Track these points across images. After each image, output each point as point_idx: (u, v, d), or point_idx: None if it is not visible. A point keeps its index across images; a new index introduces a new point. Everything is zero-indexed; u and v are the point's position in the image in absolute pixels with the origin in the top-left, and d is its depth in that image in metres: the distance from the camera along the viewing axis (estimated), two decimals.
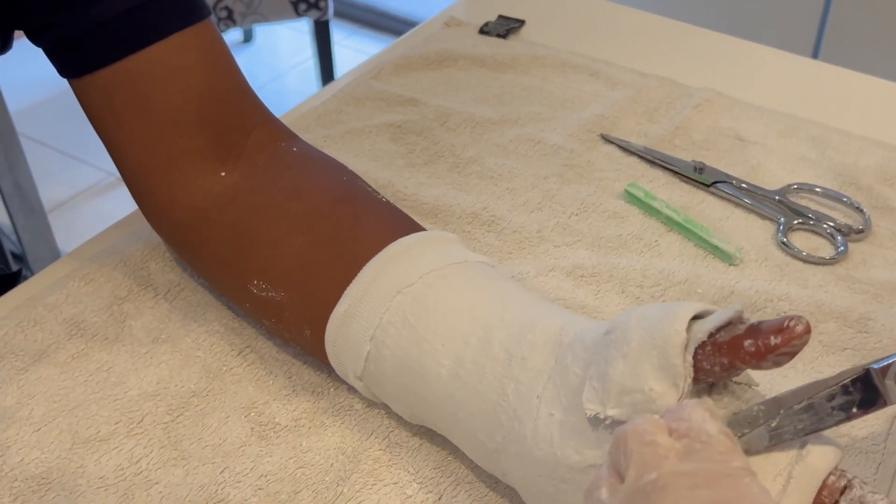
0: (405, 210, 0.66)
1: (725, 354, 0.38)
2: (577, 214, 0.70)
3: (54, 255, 1.60)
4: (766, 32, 1.66)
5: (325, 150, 0.63)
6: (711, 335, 0.39)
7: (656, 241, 0.67)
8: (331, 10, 1.87)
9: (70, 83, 0.58)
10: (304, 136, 0.63)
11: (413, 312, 0.49)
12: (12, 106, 1.51)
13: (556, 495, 0.44)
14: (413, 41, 0.91)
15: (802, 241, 0.68)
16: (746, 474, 0.35)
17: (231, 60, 0.59)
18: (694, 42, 0.90)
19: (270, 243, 0.55)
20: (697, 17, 1.03)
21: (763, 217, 0.69)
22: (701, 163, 0.73)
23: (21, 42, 0.63)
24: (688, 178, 0.72)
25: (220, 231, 0.57)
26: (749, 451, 0.40)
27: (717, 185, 0.71)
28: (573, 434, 0.42)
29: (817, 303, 0.62)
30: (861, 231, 0.67)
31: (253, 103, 0.60)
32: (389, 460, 0.53)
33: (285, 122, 0.63)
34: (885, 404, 0.39)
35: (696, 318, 0.40)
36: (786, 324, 0.37)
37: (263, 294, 0.54)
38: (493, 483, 0.51)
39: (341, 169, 0.59)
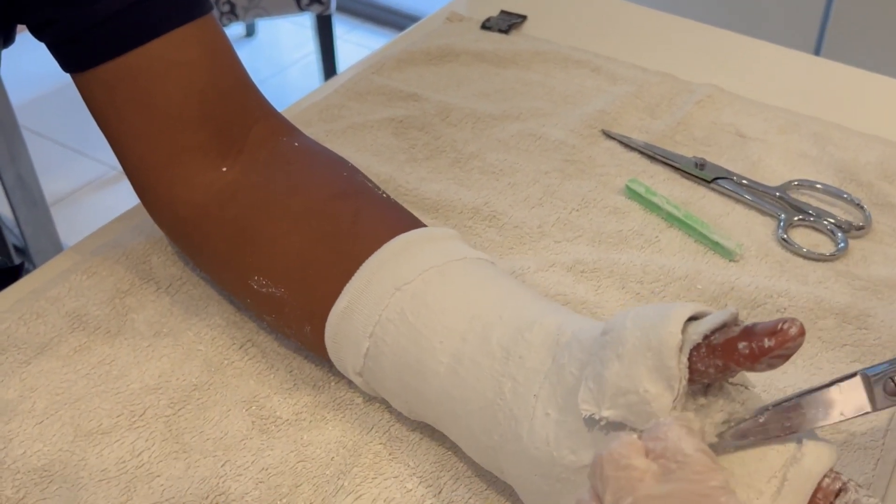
0: (406, 205, 0.66)
1: (720, 356, 0.38)
2: (577, 210, 0.70)
3: (56, 248, 1.60)
4: (769, 29, 1.66)
5: (327, 145, 0.63)
6: (706, 337, 0.39)
7: (657, 236, 0.68)
8: (333, 5, 1.87)
9: (72, 78, 0.58)
10: (305, 131, 0.63)
11: (412, 309, 0.49)
12: (15, 99, 1.51)
13: (551, 494, 0.44)
14: (415, 36, 0.91)
15: (803, 237, 0.68)
16: (723, 493, 0.35)
17: (233, 55, 0.59)
18: (696, 38, 0.91)
19: (271, 240, 0.55)
20: (699, 13, 1.03)
21: (763, 213, 0.70)
22: (702, 159, 0.73)
23: (23, 36, 0.63)
24: (689, 174, 0.73)
25: (220, 227, 0.57)
26: (738, 447, 0.40)
27: (718, 181, 0.71)
28: (569, 434, 0.42)
29: (817, 299, 0.62)
30: (861, 228, 0.67)
31: (255, 98, 0.60)
32: (390, 454, 0.53)
33: (287, 116, 0.63)
34: (872, 410, 0.39)
35: (691, 319, 0.40)
36: (779, 326, 0.37)
37: (264, 290, 0.55)
38: (493, 478, 0.51)
39: (342, 164, 0.59)
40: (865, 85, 0.84)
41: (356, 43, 2.57)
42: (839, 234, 0.67)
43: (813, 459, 0.40)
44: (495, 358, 0.46)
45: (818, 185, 0.71)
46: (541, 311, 0.48)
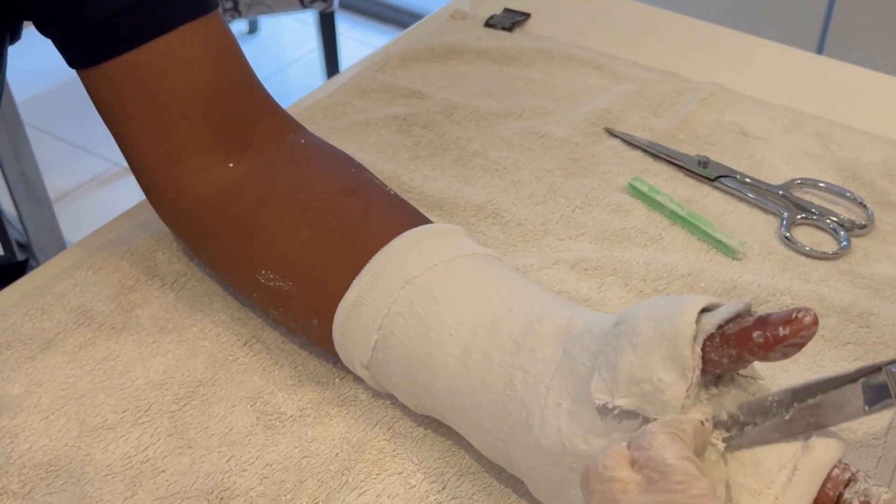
0: (410, 202, 0.66)
1: (734, 346, 0.39)
2: (581, 208, 0.70)
3: (59, 244, 1.61)
4: (771, 27, 1.66)
5: (331, 142, 0.63)
6: (720, 327, 0.40)
7: (660, 234, 0.68)
8: (336, 2, 1.87)
9: (78, 74, 0.58)
10: (309, 128, 0.63)
11: (421, 303, 0.50)
12: (18, 96, 1.51)
13: (562, 484, 0.44)
14: (419, 34, 0.91)
15: (805, 235, 0.68)
16: (705, 501, 0.35)
17: (239, 52, 0.59)
18: (699, 36, 0.91)
19: (278, 234, 0.55)
20: (702, 11, 1.03)
21: (766, 212, 0.70)
22: (705, 157, 0.73)
23: (27, 32, 0.63)
24: (692, 172, 0.73)
25: (227, 222, 0.57)
26: (760, 442, 0.41)
27: (721, 179, 0.72)
28: (581, 423, 0.43)
29: (820, 297, 0.62)
30: (864, 226, 0.68)
31: (260, 95, 0.60)
32: (394, 450, 0.53)
33: (291, 113, 0.64)
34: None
35: (703, 310, 0.41)
36: (794, 315, 0.37)
37: (271, 284, 0.55)
38: (497, 473, 0.52)
39: (349, 161, 0.60)
40: (869, 84, 0.84)
41: (359, 40, 2.57)
42: (842, 233, 0.67)
43: (823, 450, 0.41)
44: (505, 350, 0.46)
45: (821, 184, 0.71)
46: (550, 305, 0.48)
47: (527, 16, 0.92)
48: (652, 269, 0.64)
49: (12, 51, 0.65)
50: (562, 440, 0.43)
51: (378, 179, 0.59)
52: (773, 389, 0.42)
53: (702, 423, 0.40)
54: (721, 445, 0.41)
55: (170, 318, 0.61)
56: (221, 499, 0.51)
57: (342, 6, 2.62)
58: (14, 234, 1.61)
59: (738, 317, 0.40)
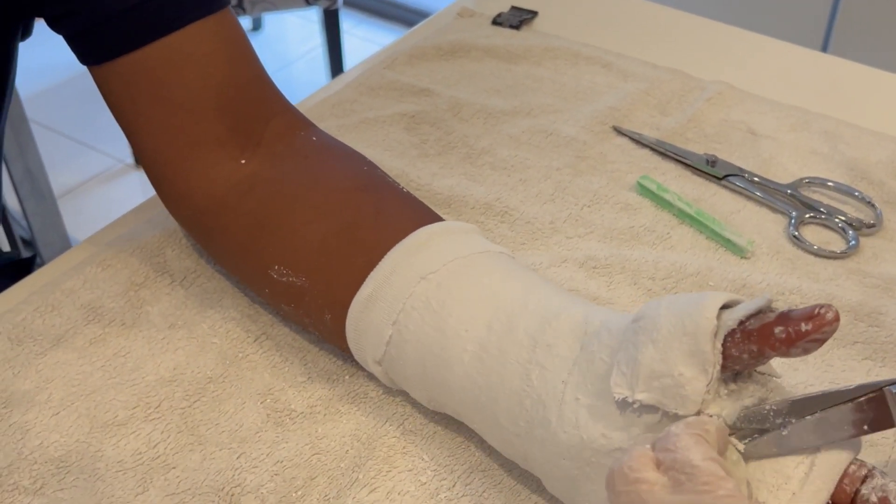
0: None
1: (755, 341, 0.39)
2: (589, 206, 0.70)
3: (63, 240, 1.61)
4: (775, 25, 1.66)
5: (339, 139, 0.63)
6: (741, 323, 0.40)
7: (668, 233, 0.68)
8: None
9: (90, 70, 0.58)
10: (317, 125, 0.63)
11: (437, 298, 0.50)
12: (23, 92, 1.51)
13: (579, 479, 0.44)
14: (426, 31, 0.91)
15: (814, 234, 0.68)
16: (733, 501, 0.35)
17: (250, 49, 0.59)
18: (705, 34, 0.91)
19: (291, 230, 0.55)
20: (706, 8, 1.03)
21: (775, 210, 0.70)
22: (713, 156, 0.73)
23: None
24: (700, 170, 0.73)
25: (239, 218, 0.57)
26: (758, 456, 0.41)
27: (730, 178, 0.72)
28: (600, 418, 0.43)
29: (828, 296, 0.62)
30: (872, 225, 0.68)
31: (271, 92, 0.60)
32: (404, 447, 0.53)
33: (299, 110, 0.64)
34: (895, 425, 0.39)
35: (723, 307, 0.41)
36: (816, 311, 0.38)
37: (284, 279, 0.55)
38: (508, 469, 0.52)
39: (361, 158, 0.60)
40: (875, 82, 0.84)
41: (363, 38, 2.57)
42: (850, 232, 0.67)
43: (840, 446, 0.41)
44: (522, 346, 0.47)
45: (829, 183, 0.71)
46: (566, 302, 0.48)
47: (534, 14, 0.92)
48: (661, 267, 0.64)
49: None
50: (580, 434, 0.43)
51: (390, 177, 0.59)
52: (786, 389, 0.43)
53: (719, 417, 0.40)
54: (741, 445, 0.41)
55: (179, 314, 0.61)
56: (232, 495, 0.51)
57: (346, 3, 2.62)
58: (18, 231, 1.61)
59: (759, 313, 0.40)
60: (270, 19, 2.58)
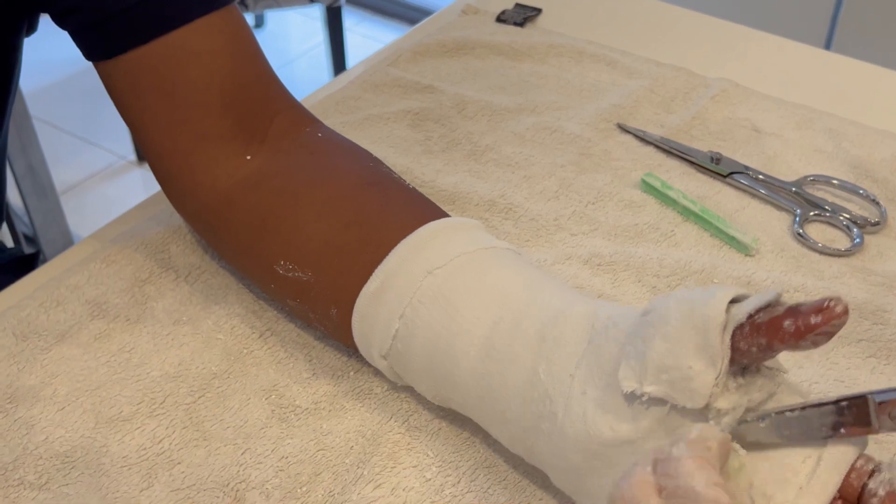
0: None
1: (764, 335, 0.39)
2: (593, 203, 0.70)
3: (66, 237, 1.61)
4: (779, 23, 1.66)
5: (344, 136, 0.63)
6: (750, 316, 0.40)
7: (673, 230, 0.68)
8: None
9: (95, 66, 0.58)
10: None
11: (444, 293, 0.50)
12: (26, 88, 1.51)
13: (586, 472, 0.44)
14: (430, 28, 0.91)
15: (818, 232, 0.68)
16: None
17: (256, 46, 0.59)
18: (708, 32, 0.91)
19: (297, 226, 0.55)
20: (710, 6, 1.03)
21: (779, 208, 0.70)
22: (717, 153, 0.73)
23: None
24: (704, 168, 0.73)
25: (245, 213, 0.57)
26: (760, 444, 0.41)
27: (734, 175, 0.72)
28: (607, 411, 0.43)
29: (833, 294, 0.62)
30: (877, 223, 0.68)
31: (277, 89, 0.60)
32: (409, 443, 0.53)
33: (304, 107, 0.64)
34: (874, 432, 0.39)
35: (732, 301, 0.41)
36: (826, 304, 0.38)
37: (290, 274, 0.55)
38: (513, 465, 0.52)
39: (367, 155, 0.60)
40: (879, 80, 0.84)
41: (365, 35, 2.57)
42: (855, 230, 0.67)
43: (847, 441, 0.41)
44: (530, 340, 0.47)
45: (834, 181, 0.71)
46: (573, 298, 0.48)
47: (538, 11, 0.92)
48: (665, 264, 0.64)
49: None
50: (587, 427, 0.43)
51: (395, 173, 0.59)
52: (786, 388, 0.43)
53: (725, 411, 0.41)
54: (743, 452, 0.41)
55: (184, 310, 0.61)
56: (237, 491, 0.51)
57: (349, 1, 2.62)
58: (21, 227, 1.61)
59: (768, 307, 0.40)
60: (273, 16, 2.58)
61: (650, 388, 0.41)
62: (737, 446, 0.41)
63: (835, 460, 0.40)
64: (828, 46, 1.66)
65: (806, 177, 0.71)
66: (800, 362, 0.58)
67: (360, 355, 0.57)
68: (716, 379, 0.40)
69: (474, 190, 0.71)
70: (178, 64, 0.56)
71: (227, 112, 0.57)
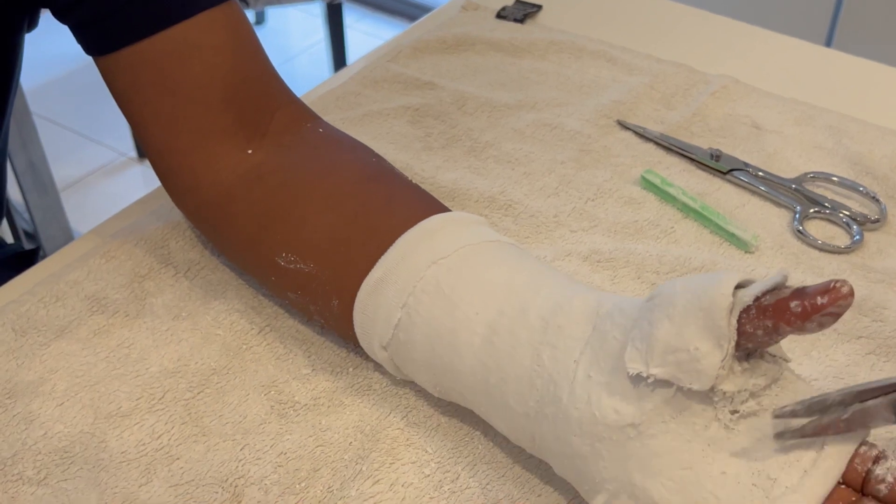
0: None
1: (770, 316, 0.39)
2: (593, 200, 0.70)
3: (66, 233, 1.61)
4: (780, 20, 1.66)
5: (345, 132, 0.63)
6: (757, 299, 0.40)
7: (672, 227, 0.68)
8: None
9: (95, 61, 0.58)
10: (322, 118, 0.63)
11: (447, 283, 0.50)
12: (26, 85, 1.51)
13: (590, 455, 0.44)
14: (430, 24, 0.91)
15: (818, 229, 0.68)
16: None
17: (256, 41, 0.59)
18: (710, 29, 0.91)
19: (300, 218, 0.55)
20: (710, 3, 1.03)
21: (779, 205, 0.70)
22: (717, 150, 0.73)
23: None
24: (704, 165, 0.73)
25: (247, 207, 0.57)
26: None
27: (734, 172, 0.72)
28: (612, 394, 0.43)
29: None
30: (877, 220, 0.68)
31: (277, 84, 0.60)
32: (408, 439, 0.53)
33: (305, 103, 0.64)
34: None
35: (737, 287, 0.41)
36: (832, 285, 0.38)
37: (291, 266, 0.55)
38: (513, 460, 0.52)
39: (368, 150, 0.60)
40: (880, 77, 0.84)
41: (366, 32, 2.57)
42: (854, 227, 0.67)
43: None
44: (533, 328, 0.47)
45: (834, 178, 0.71)
46: (577, 288, 0.48)
47: (538, 7, 0.92)
48: (665, 261, 0.64)
49: None
50: (591, 410, 0.44)
51: (397, 169, 0.59)
52: (796, 372, 0.43)
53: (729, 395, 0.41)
54: (729, 418, 0.41)
55: (183, 306, 0.61)
56: (236, 486, 0.51)
57: None
58: (21, 224, 1.61)
59: (774, 289, 0.40)
60: (273, 13, 2.58)
61: (656, 370, 0.41)
62: (722, 416, 0.42)
63: (839, 445, 0.41)
64: (828, 43, 1.66)
65: (806, 174, 0.71)
66: (799, 359, 0.58)
67: (360, 351, 0.57)
68: (722, 361, 0.40)
69: (474, 186, 0.70)
70: (179, 59, 0.56)
71: (228, 107, 0.57)
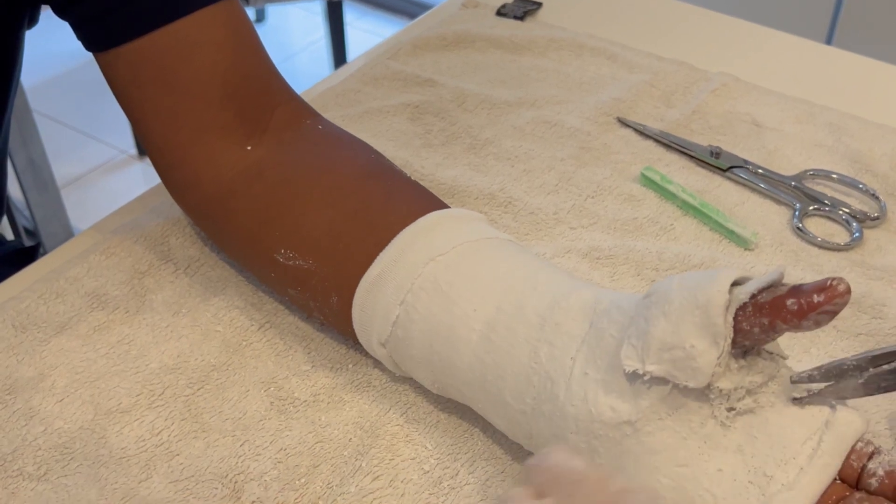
0: None
1: (767, 314, 0.39)
2: (593, 197, 0.70)
3: (66, 231, 1.61)
4: (780, 17, 1.66)
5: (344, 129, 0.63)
6: (753, 296, 0.40)
7: (672, 224, 0.68)
8: None
9: (95, 57, 0.58)
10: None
11: (446, 279, 0.50)
12: (27, 82, 1.51)
13: (586, 452, 0.44)
14: (430, 22, 0.91)
15: (818, 226, 0.68)
16: (629, 494, 0.36)
17: (256, 38, 0.59)
18: (710, 26, 0.91)
19: (299, 215, 0.55)
20: (711, 0, 1.02)
21: (779, 202, 0.70)
22: (717, 147, 0.73)
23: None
24: (704, 162, 0.73)
25: (247, 203, 0.57)
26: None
27: (734, 169, 0.72)
28: (608, 391, 0.43)
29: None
30: (876, 218, 0.68)
31: (277, 81, 0.60)
32: (407, 435, 0.53)
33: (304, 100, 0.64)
34: None
35: (734, 284, 0.41)
36: (828, 283, 0.38)
37: (290, 263, 0.55)
38: (511, 458, 0.52)
39: (368, 147, 0.60)
40: (880, 75, 0.84)
41: (366, 30, 2.57)
42: (854, 224, 0.67)
43: (846, 425, 0.42)
44: (531, 325, 0.47)
45: (833, 175, 0.71)
46: (575, 285, 0.49)
47: (538, 5, 0.92)
48: (664, 258, 0.64)
49: None
50: (588, 407, 0.44)
51: (397, 166, 0.59)
52: (793, 370, 0.43)
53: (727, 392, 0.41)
54: (726, 415, 0.42)
55: (183, 302, 0.61)
56: (235, 482, 0.51)
57: None
58: (21, 221, 1.61)
59: (770, 287, 0.40)
60: (273, 11, 2.58)
61: (652, 367, 0.41)
62: (718, 413, 0.42)
63: (835, 442, 0.41)
64: (829, 41, 1.66)
65: (806, 171, 0.71)
66: (798, 356, 0.58)
67: (359, 348, 0.57)
68: (718, 358, 0.40)
69: (474, 183, 0.71)
70: (179, 55, 0.56)
71: (228, 103, 0.57)
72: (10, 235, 1.52)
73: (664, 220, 0.68)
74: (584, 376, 0.44)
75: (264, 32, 2.49)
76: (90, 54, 0.58)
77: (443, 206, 0.56)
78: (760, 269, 0.64)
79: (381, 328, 0.52)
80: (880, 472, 0.41)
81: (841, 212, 0.68)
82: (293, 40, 2.51)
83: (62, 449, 0.53)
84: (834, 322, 0.60)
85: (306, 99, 0.78)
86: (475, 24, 0.89)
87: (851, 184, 0.70)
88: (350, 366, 0.57)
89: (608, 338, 0.44)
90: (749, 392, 0.42)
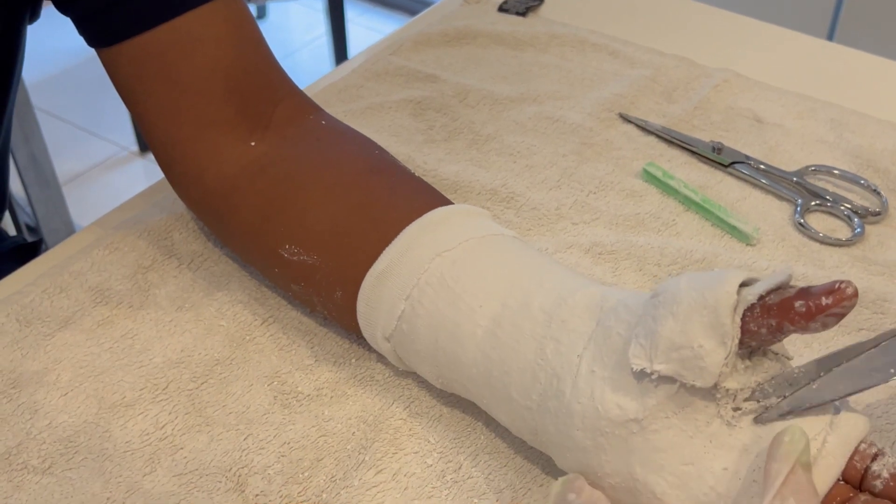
0: None
1: (775, 315, 0.40)
2: (595, 192, 0.70)
3: (68, 227, 1.61)
4: (782, 13, 1.66)
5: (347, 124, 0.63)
6: (761, 297, 0.40)
7: (674, 220, 0.68)
8: None
9: (98, 53, 0.58)
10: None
11: (451, 275, 0.50)
12: (28, 79, 1.52)
13: (592, 450, 0.44)
14: (432, 18, 0.91)
15: (819, 222, 0.68)
16: None
17: (258, 33, 0.59)
18: (712, 22, 0.91)
19: (303, 209, 0.56)
20: None
21: (780, 198, 0.70)
22: (719, 143, 0.73)
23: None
24: (706, 158, 0.73)
25: (250, 198, 0.57)
26: (791, 413, 0.42)
27: (735, 165, 0.72)
28: (615, 389, 0.43)
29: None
30: (878, 213, 0.68)
31: (280, 76, 0.60)
32: (410, 429, 0.54)
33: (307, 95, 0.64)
34: None
35: (742, 285, 0.42)
36: (836, 286, 0.38)
37: (295, 258, 0.55)
38: (514, 452, 0.52)
39: (371, 142, 0.60)
40: (881, 71, 0.84)
41: (367, 26, 2.57)
42: (856, 220, 0.67)
43: (850, 426, 0.42)
44: (537, 322, 0.47)
45: (835, 171, 0.71)
46: (582, 282, 0.49)
47: (540, 1, 0.92)
48: (666, 253, 0.64)
49: None
50: (594, 405, 0.44)
51: (400, 162, 0.59)
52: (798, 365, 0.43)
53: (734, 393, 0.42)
54: (731, 415, 0.42)
55: (187, 297, 0.61)
56: (239, 476, 0.51)
57: None
58: (23, 218, 1.61)
59: (778, 288, 0.41)
60: (275, 7, 2.58)
61: (660, 367, 0.41)
62: (724, 413, 0.42)
63: (838, 444, 0.41)
64: (830, 37, 1.66)
65: (807, 167, 0.71)
66: (800, 351, 0.58)
67: (363, 342, 0.57)
68: (725, 358, 0.41)
69: (476, 179, 0.71)
70: (181, 50, 0.56)
71: (230, 98, 0.57)
72: (12, 231, 1.52)
73: (666, 215, 0.68)
74: (591, 374, 0.44)
75: (266, 29, 2.49)
76: (92, 51, 0.58)
77: (446, 201, 0.56)
78: (762, 264, 0.64)
79: (386, 322, 0.52)
80: (885, 474, 0.41)
81: (842, 207, 0.68)
82: (294, 37, 2.52)
83: (66, 442, 0.53)
84: None
85: (308, 94, 0.78)
86: (477, 20, 0.89)
87: (853, 179, 0.70)
88: (353, 360, 0.57)
89: (615, 336, 0.44)
90: (756, 391, 0.42)
